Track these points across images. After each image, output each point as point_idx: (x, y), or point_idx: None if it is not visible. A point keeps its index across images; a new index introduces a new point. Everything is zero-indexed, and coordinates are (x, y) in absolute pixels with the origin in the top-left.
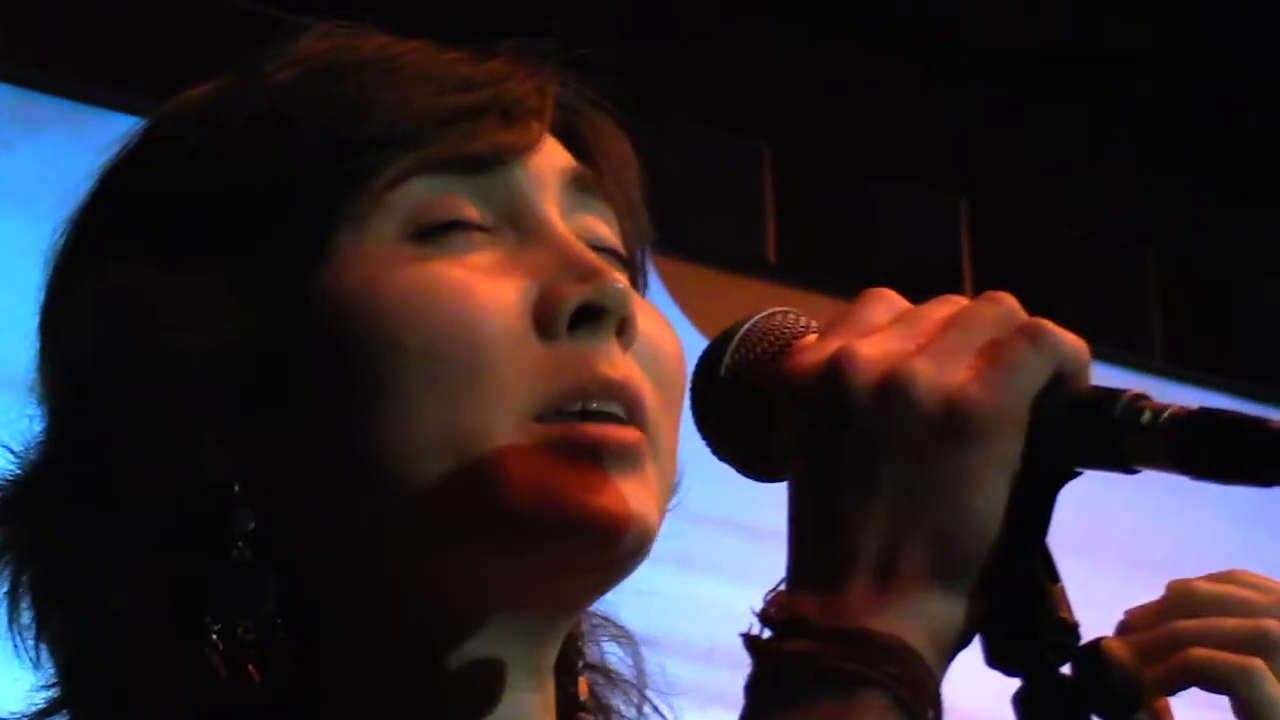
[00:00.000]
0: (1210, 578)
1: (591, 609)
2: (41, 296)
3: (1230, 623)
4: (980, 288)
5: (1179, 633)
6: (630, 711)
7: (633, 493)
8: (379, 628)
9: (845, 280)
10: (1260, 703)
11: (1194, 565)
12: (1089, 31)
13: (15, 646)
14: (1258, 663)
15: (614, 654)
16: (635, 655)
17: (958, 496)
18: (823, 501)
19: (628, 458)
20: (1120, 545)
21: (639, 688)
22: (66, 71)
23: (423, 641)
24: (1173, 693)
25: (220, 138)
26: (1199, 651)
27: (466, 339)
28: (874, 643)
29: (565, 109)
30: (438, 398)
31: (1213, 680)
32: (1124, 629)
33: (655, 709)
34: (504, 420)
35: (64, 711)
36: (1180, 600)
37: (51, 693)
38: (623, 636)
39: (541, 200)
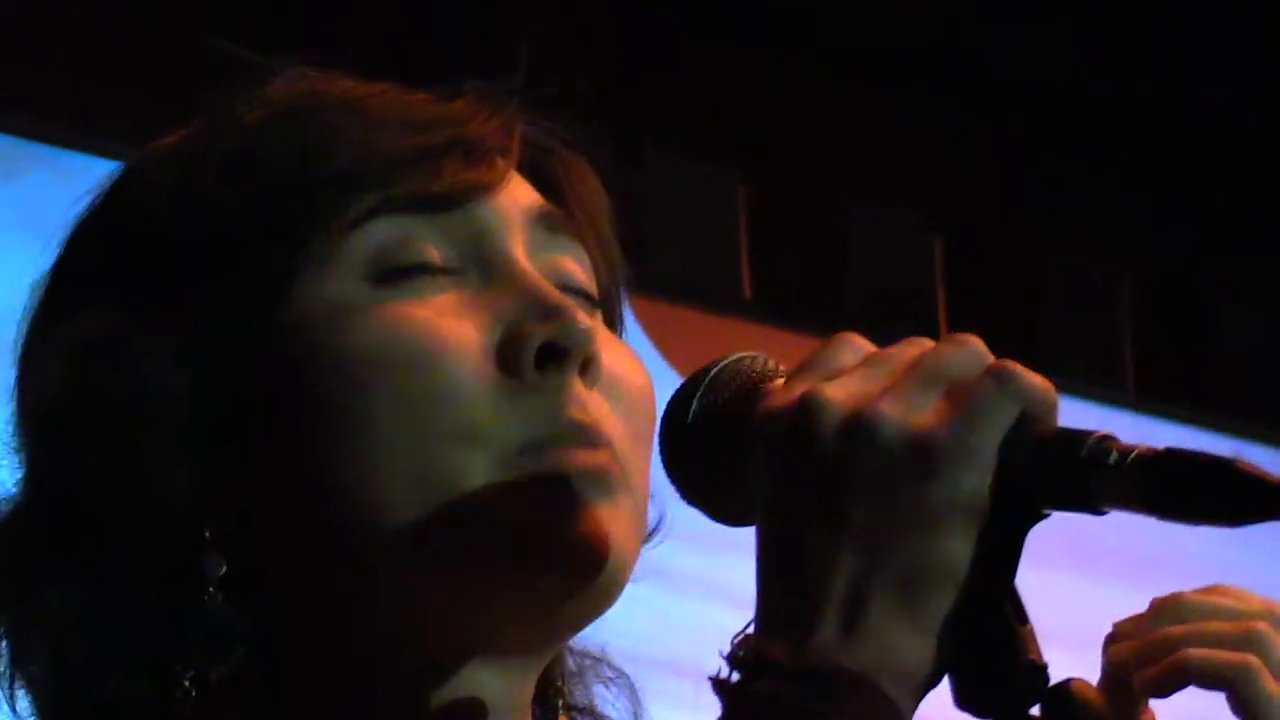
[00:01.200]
0: (1195, 592)
1: (583, 649)
2: (17, 347)
3: (1221, 624)
4: (955, 321)
5: (1171, 636)
6: None
7: (608, 519)
8: (353, 670)
9: (821, 316)
10: (1257, 698)
11: (1171, 584)
12: (1063, 65)
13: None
14: (1253, 658)
15: (604, 697)
16: (631, 698)
17: (925, 538)
18: (790, 543)
19: (599, 483)
20: (1100, 562)
21: None
22: (45, 115)
23: (398, 682)
24: (1167, 694)
25: (187, 182)
26: (1195, 650)
27: (432, 381)
28: (841, 683)
29: (533, 147)
30: (406, 441)
31: (1208, 677)
32: (1113, 640)
33: None
34: (475, 461)
35: None
36: (1167, 610)
37: None
38: (617, 678)
39: (506, 240)
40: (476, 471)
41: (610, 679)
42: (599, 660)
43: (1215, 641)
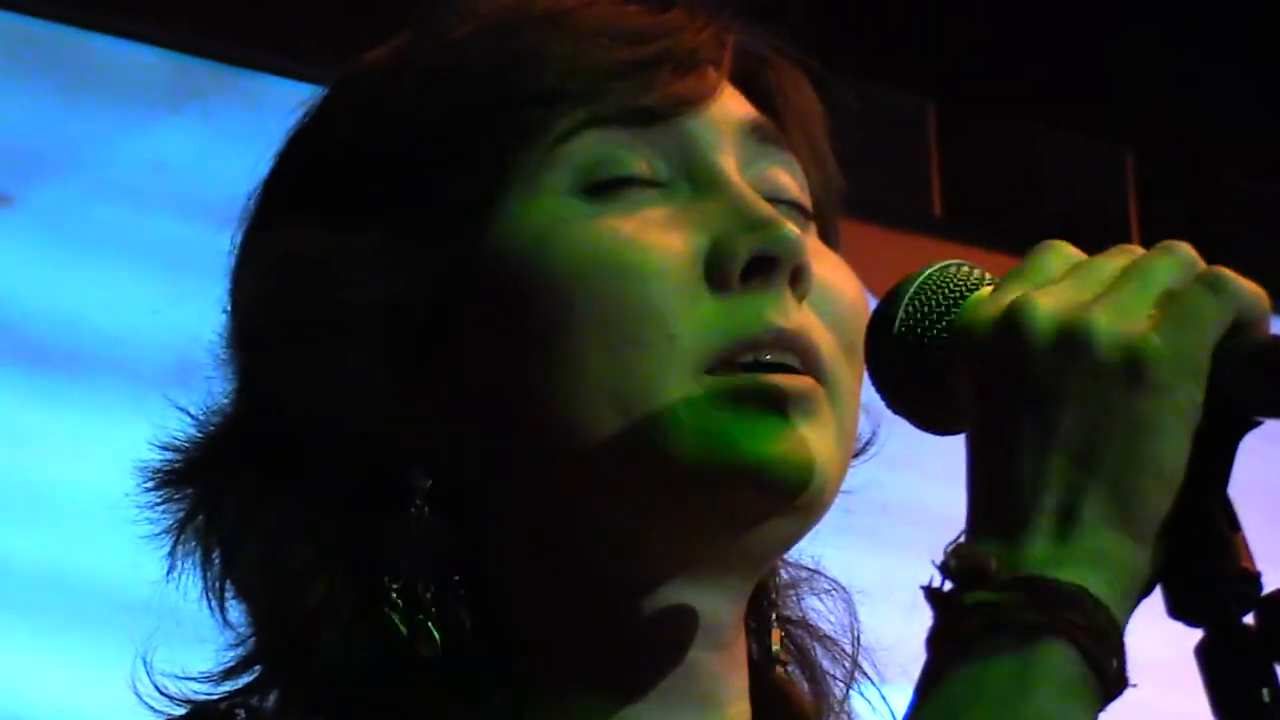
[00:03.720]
0: None
1: (797, 561)
2: (229, 263)
3: None
4: (1148, 240)
5: None
6: (839, 671)
7: (811, 439)
8: (556, 584)
9: (1012, 235)
10: None
11: None
12: None
13: (210, 606)
14: None
15: (817, 610)
16: (848, 609)
17: (1139, 446)
18: (1002, 453)
19: (802, 405)
20: None
21: (849, 649)
22: (231, 38)
23: (601, 599)
24: None
25: (393, 96)
26: None
27: (635, 293)
28: (1056, 592)
29: (747, 58)
30: (607, 353)
31: None
32: None
33: (863, 672)
34: (674, 373)
35: (255, 667)
36: None
37: (240, 650)
38: (832, 590)
39: (716, 152)
40: (674, 386)
41: (826, 591)
42: (814, 573)
43: None
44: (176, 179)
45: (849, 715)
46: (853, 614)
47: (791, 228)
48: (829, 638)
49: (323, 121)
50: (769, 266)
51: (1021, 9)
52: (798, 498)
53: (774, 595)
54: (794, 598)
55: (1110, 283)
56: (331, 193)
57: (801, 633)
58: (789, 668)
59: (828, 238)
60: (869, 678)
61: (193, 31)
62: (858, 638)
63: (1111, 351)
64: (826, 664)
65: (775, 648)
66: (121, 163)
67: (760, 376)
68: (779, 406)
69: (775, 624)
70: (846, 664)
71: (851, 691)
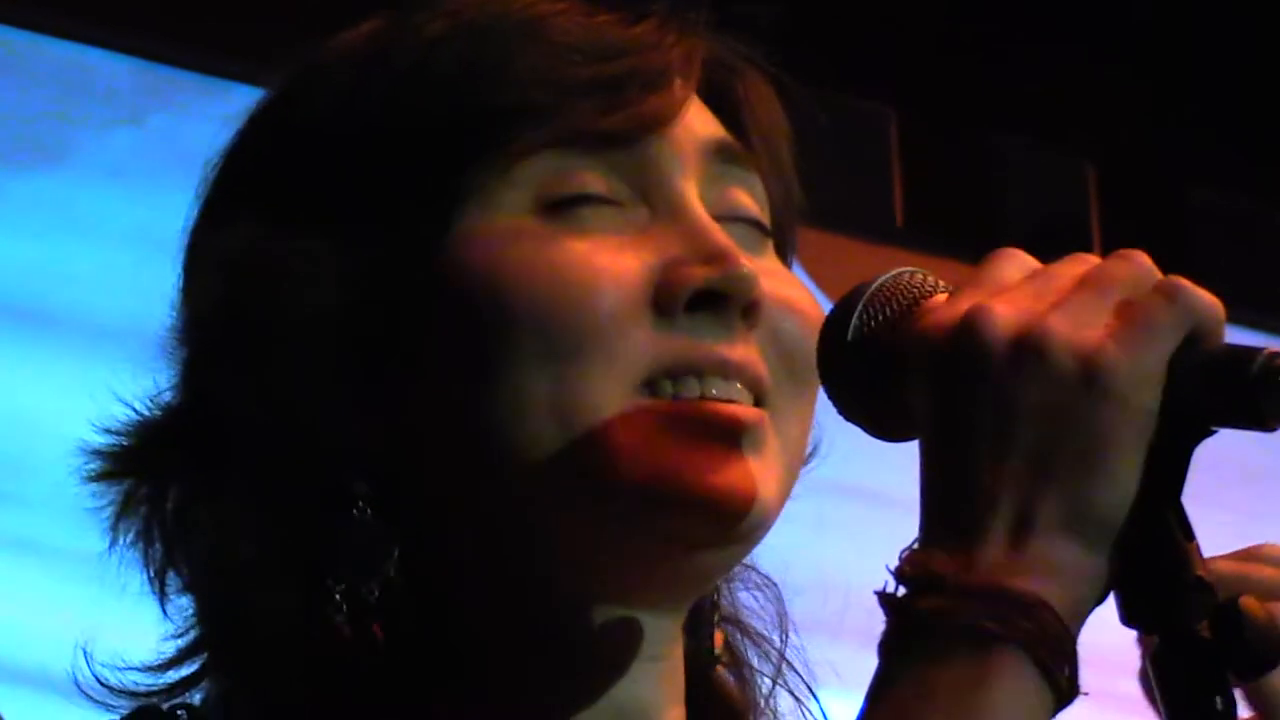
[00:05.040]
0: (1233, 555)
1: None
2: (180, 258)
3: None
4: (1109, 250)
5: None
6: (767, 668)
7: (754, 469)
8: (500, 593)
9: (973, 244)
10: None
11: None
12: None
13: (152, 594)
14: None
15: (749, 605)
16: (777, 604)
17: (1094, 454)
18: (957, 460)
19: (748, 435)
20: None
21: (776, 645)
22: (198, 45)
23: (544, 609)
24: None
25: (358, 95)
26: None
27: (579, 310)
28: (1010, 600)
29: (718, 68)
30: (546, 368)
31: None
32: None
33: (791, 666)
34: (610, 391)
35: (196, 658)
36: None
37: (181, 641)
38: (764, 585)
39: (677, 176)
40: (613, 404)
41: (757, 585)
42: (747, 567)
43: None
44: (138, 181)
45: (774, 713)
46: (782, 608)
47: (747, 264)
48: (760, 635)
49: (283, 114)
50: (720, 301)
51: (983, 20)
52: (736, 528)
53: (714, 595)
54: (727, 592)
55: (1067, 291)
56: (287, 191)
57: (733, 629)
58: (725, 668)
59: (783, 253)
60: (799, 675)
61: (157, 39)
62: (786, 634)
63: (1067, 360)
64: (755, 661)
65: (718, 648)
66: (84, 164)
67: (707, 404)
68: (723, 436)
69: (717, 625)
70: (774, 662)
71: (778, 688)
